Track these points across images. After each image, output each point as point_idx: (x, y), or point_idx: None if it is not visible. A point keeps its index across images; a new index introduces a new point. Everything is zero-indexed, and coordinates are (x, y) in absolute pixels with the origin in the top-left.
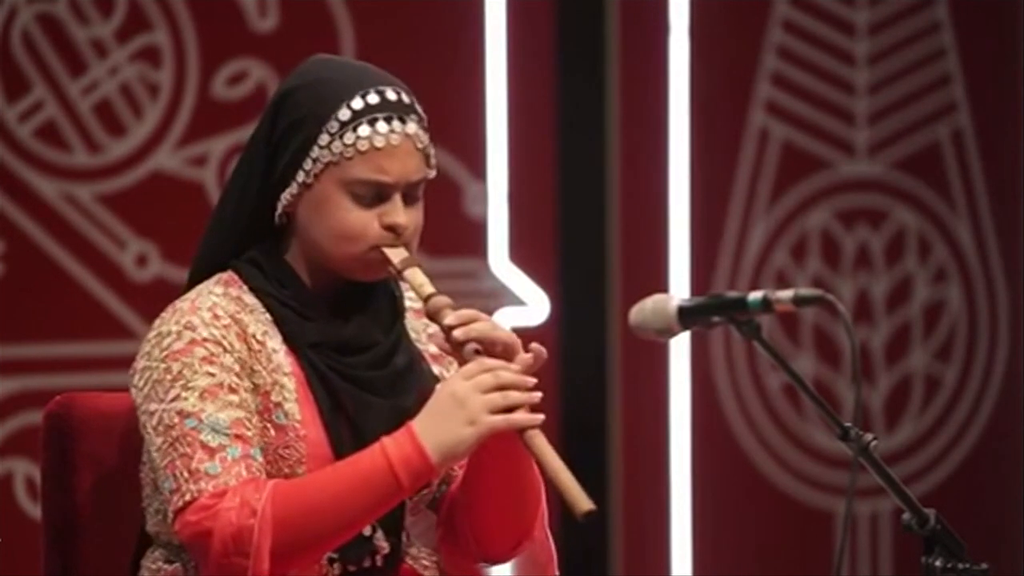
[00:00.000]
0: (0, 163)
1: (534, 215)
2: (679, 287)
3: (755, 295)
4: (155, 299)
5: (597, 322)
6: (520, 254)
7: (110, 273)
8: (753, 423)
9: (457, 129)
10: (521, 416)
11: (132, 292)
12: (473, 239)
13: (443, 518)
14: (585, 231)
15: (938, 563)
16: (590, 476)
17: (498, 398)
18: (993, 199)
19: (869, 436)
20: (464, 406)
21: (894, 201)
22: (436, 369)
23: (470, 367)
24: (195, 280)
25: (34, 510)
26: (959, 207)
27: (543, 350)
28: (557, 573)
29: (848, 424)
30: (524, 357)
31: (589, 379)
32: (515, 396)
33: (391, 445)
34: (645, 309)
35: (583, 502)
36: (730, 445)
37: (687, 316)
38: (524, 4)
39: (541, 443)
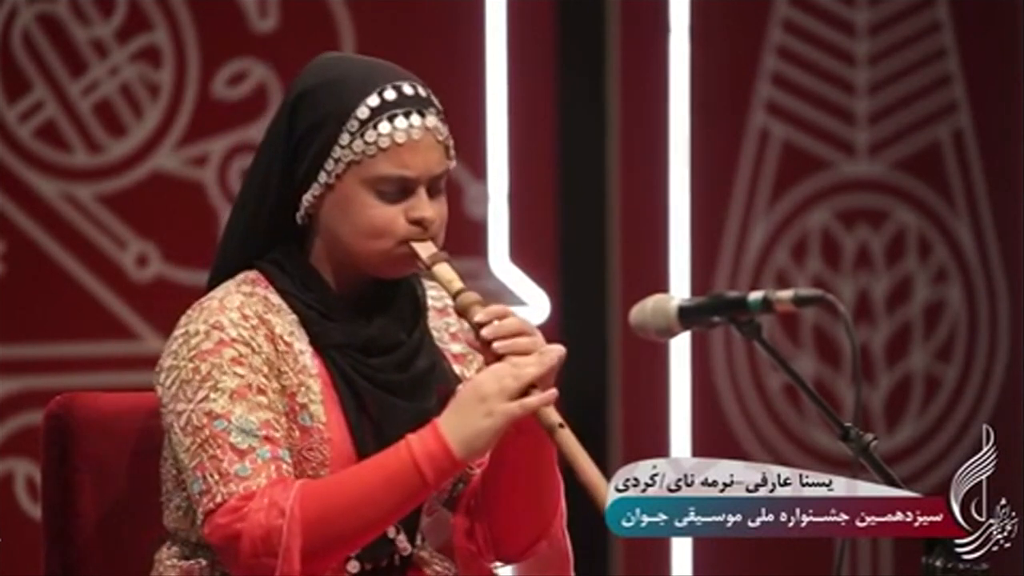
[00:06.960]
0: (0, 163)
1: (534, 215)
2: (679, 287)
3: (755, 295)
4: (155, 299)
5: (597, 322)
6: (520, 254)
7: (110, 273)
8: (753, 423)
9: (457, 129)
10: (533, 398)
11: (132, 292)
12: (473, 239)
13: (461, 516)
14: (585, 231)
15: (938, 563)
16: None
17: (510, 381)
18: (993, 199)
19: (869, 436)
20: (485, 399)
21: (894, 201)
22: (458, 369)
23: (500, 366)
24: (216, 281)
25: (34, 510)
26: (959, 207)
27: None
28: (573, 575)
29: (848, 424)
30: (551, 347)
31: (589, 379)
32: (528, 372)
33: (416, 441)
34: (645, 309)
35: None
36: (731, 445)
37: (687, 316)
38: (524, 4)
39: (570, 441)
